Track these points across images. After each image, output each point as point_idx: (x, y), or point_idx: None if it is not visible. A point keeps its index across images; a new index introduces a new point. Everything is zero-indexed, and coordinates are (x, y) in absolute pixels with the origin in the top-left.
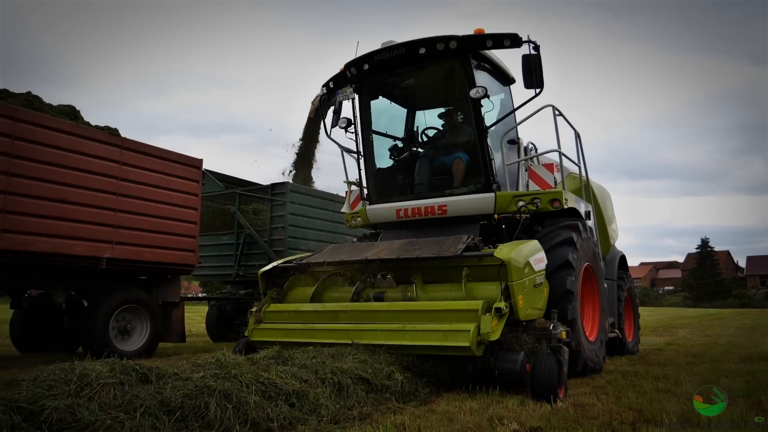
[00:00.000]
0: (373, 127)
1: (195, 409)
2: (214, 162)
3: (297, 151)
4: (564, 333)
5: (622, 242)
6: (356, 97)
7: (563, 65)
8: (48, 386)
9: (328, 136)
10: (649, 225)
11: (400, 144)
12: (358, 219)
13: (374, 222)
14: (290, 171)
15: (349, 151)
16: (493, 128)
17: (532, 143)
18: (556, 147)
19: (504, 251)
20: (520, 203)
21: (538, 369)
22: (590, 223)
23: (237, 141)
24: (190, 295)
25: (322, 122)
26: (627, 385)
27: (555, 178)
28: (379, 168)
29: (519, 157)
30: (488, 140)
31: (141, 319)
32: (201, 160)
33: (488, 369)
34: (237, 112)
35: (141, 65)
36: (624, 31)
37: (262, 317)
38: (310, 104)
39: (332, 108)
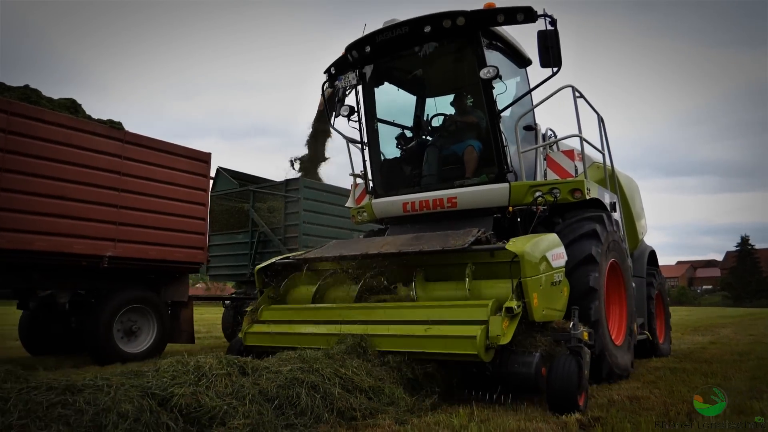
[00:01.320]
0: (378, 115)
1: (289, 398)
2: (244, 165)
3: (306, 146)
4: (585, 333)
5: (657, 240)
6: (359, 83)
7: (592, 61)
8: (172, 376)
9: (331, 126)
10: (686, 223)
11: (408, 133)
12: (364, 214)
13: (380, 217)
14: (298, 167)
15: (353, 141)
16: (507, 113)
17: (551, 130)
18: (576, 132)
19: (517, 244)
20: (537, 194)
21: (555, 372)
22: (616, 215)
23: (268, 144)
24: (230, 296)
25: (326, 112)
26: (677, 381)
27: (576, 167)
28: (385, 159)
29: (536, 144)
30: (501, 126)
31: (147, 320)
32: (209, 154)
33: (498, 373)
34: (267, 114)
35: (168, 70)
36: (654, 24)
37: (258, 318)
38: (320, 96)
39: (336, 96)
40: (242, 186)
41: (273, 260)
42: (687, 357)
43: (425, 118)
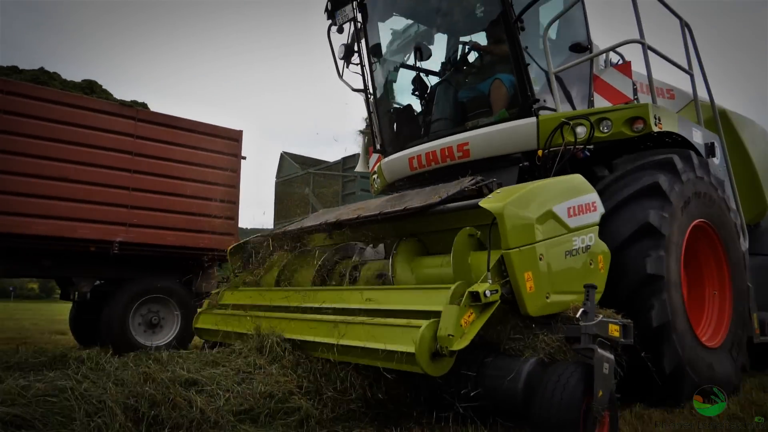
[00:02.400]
0: (386, 56)
1: None
2: None
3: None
4: (614, 327)
5: None
6: (359, 17)
7: None
8: None
9: (340, 78)
10: None
11: (427, 78)
12: (378, 180)
13: (391, 180)
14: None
15: (358, 90)
16: (552, 33)
17: (615, 52)
18: (635, 38)
19: (498, 197)
20: (579, 128)
21: (542, 394)
22: (716, 161)
23: None
24: None
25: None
26: None
27: (634, 86)
28: (396, 108)
29: (590, 68)
30: (522, 39)
31: (171, 311)
32: (240, 132)
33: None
34: None
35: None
36: None
37: (217, 303)
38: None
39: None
40: (304, 170)
41: (250, 238)
42: None
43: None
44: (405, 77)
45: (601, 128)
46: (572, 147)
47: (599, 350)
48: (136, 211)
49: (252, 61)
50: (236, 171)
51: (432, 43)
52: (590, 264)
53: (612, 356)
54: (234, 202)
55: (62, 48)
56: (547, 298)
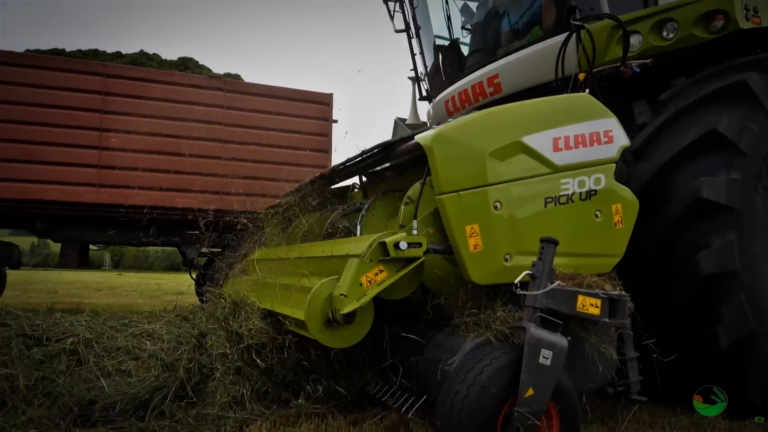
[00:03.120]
0: None
1: None
2: None
3: None
4: (591, 302)
5: None
6: None
7: None
8: None
9: (391, 19)
10: None
11: (473, 5)
12: None
13: None
14: None
15: (400, 31)
16: None
17: None
18: None
19: (440, 128)
20: (633, 37)
21: (449, 387)
22: None
23: None
24: None
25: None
26: None
27: None
28: (440, 45)
29: None
30: None
31: None
32: (330, 95)
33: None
34: None
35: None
36: None
37: (246, 267)
38: None
39: None
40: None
41: (281, 199)
42: None
43: None
44: (447, 11)
45: (663, 33)
46: (591, 70)
47: (533, 330)
48: (228, 179)
49: (354, 24)
50: (327, 135)
51: None
52: (596, 216)
53: (564, 341)
54: (325, 166)
55: (160, 28)
56: (507, 260)
